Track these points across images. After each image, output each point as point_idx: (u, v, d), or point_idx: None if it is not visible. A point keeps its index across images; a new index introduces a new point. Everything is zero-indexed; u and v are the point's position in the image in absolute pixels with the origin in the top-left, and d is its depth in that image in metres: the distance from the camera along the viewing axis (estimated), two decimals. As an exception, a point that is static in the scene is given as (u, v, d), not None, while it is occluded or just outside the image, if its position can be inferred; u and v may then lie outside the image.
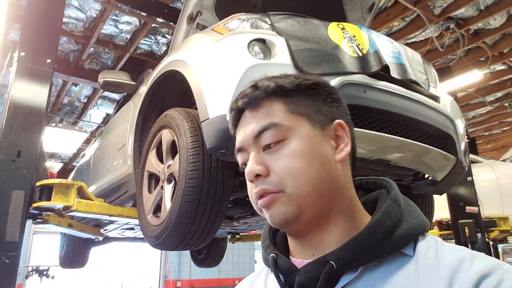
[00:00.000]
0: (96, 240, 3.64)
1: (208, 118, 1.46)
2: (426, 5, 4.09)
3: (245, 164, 0.60)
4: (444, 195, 3.64)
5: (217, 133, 1.41)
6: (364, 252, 0.53)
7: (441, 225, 3.90)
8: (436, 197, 2.36)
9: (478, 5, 4.18)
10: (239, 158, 0.62)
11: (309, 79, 0.61)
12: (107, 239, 3.67)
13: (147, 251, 9.83)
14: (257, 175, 0.57)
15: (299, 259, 0.59)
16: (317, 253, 0.57)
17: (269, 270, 0.65)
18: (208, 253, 4.17)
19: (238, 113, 0.62)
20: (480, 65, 5.18)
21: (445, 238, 3.98)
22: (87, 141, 6.64)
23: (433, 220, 3.05)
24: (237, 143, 0.62)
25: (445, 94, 1.93)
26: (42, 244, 8.80)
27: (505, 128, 7.92)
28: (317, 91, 0.61)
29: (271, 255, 0.60)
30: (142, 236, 3.49)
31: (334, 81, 1.42)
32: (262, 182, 0.57)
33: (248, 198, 2.13)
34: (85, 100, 6.40)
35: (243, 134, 0.60)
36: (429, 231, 2.58)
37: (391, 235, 0.53)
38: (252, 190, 0.58)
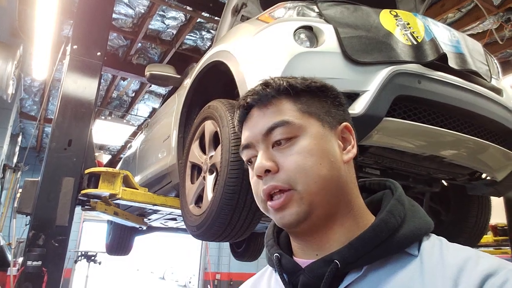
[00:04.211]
0: (140, 229, 3.76)
1: (251, 108, 1.43)
2: (485, -6, 3.81)
3: (250, 161, 0.61)
4: (500, 198, 3.40)
5: (260, 123, 1.38)
6: (369, 251, 0.53)
7: (496, 230, 3.64)
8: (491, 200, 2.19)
9: (544, -7, 3.84)
10: (245, 154, 0.62)
11: (317, 82, 0.62)
12: (150, 229, 3.78)
13: (189, 243, 10.08)
14: (266, 171, 0.57)
15: (303, 259, 0.59)
16: (321, 253, 0.57)
17: (273, 270, 0.65)
18: (248, 247, 4.18)
19: (246, 109, 0.62)
20: (545, 59, 4.77)
21: (500, 244, 3.71)
22: (134, 134, 6.89)
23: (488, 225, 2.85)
24: (244, 140, 0.62)
25: (509, 87, 1.77)
26: (91, 231, 9.29)
27: None
28: (325, 94, 0.62)
29: (275, 254, 0.60)
30: (184, 226, 3.58)
31: (386, 70, 1.34)
32: (271, 178, 0.56)
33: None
34: (133, 95, 6.64)
35: (251, 131, 0.61)
36: (483, 237, 2.40)
37: (395, 234, 0.53)
38: (258, 187, 0.58)
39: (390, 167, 1.65)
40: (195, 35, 4.92)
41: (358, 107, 1.29)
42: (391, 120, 1.35)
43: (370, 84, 1.33)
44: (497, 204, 3.27)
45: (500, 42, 4.34)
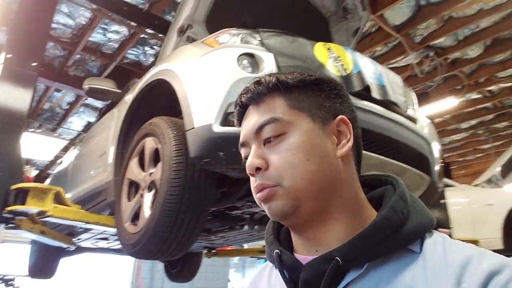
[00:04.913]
0: (67, 249, 3.53)
1: (193, 128, 1.47)
2: (408, 33, 4.26)
3: (247, 158, 0.61)
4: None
5: (202, 142, 1.43)
6: (370, 248, 0.52)
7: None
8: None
9: (457, 35, 4.39)
10: (242, 152, 0.63)
11: (313, 75, 0.62)
12: (79, 250, 3.57)
13: (119, 264, 9.56)
14: (257, 169, 0.58)
15: (303, 256, 0.58)
16: (320, 249, 0.57)
17: (273, 266, 0.64)
18: (183, 267, 4.10)
19: (242, 108, 0.63)
20: (457, 93, 5.40)
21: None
22: (65, 149, 6.52)
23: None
24: (240, 138, 0.63)
25: (423, 117, 2.01)
26: (9, 253, 8.44)
27: (478, 155, 8.20)
28: (320, 87, 0.61)
29: (275, 251, 0.59)
30: (116, 247, 3.44)
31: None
32: (261, 176, 0.57)
33: (227, 211, 2.12)
34: (67, 107, 6.31)
35: (245, 129, 0.61)
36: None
37: (398, 231, 0.52)
38: (253, 183, 0.59)
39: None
40: (137, 50, 4.86)
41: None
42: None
43: (305, 110, 1.44)
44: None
45: (420, 76, 4.86)
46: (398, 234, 0.52)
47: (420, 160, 1.82)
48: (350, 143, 0.59)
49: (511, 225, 3.74)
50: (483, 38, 4.29)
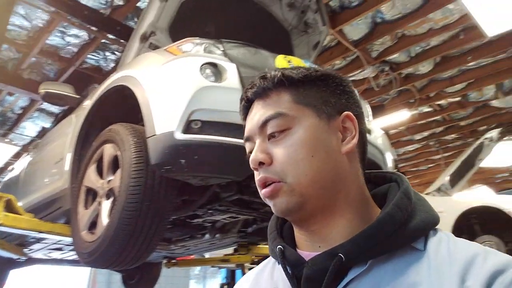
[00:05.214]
0: (17, 261, 3.35)
1: (155, 135, 1.47)
2: (365, 48, 4.47)
3: (251, 152, 0.61)
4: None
5: (163, 149, 1.43)
6: (374, 245, 0.52)
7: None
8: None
9: (409, 52, 4.65)
10: (247, 146, 0.63)
11: (319, 71, 0.62)
12: (30, 261, 3.40)
13: (73, 277, 9.14)
14: (261, 163, 0.58)
15: (306, 252, 0.58)
16: (324, 245, 0.56)
17: (276, 262, 0.64)
18: (141, 278, 4.01)
19: (247, 102, 0.63)
20: (410, 106, 5.70)
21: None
22: (17, 155, 6.20)
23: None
24: (245, 132, 0.63)
25: (377, 128, 2.12)
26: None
27: (430, 165, 8.66)
28: (325, 83, 0.61)
29: (278, 247, 0.59)
30: (70, 258, 3.31)
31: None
32: (265, 170, 0.57)
33: (188, 219, 2.12)
34: (20, 112, 6.00)
35: (250, 124, 0.61)
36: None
37: (402, 228, 0.52)
38: (256, 177, 0.59)
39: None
40: (98, 55, 4.74)
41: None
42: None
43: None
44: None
45: (376, 89, 5.09)
46: (402, 231, 0.52)
47: (373, 169, 1.92)
48: (355, 140, 0.59)
49: (460, 232, 3.97)
50: (433, 55, 4.57)
